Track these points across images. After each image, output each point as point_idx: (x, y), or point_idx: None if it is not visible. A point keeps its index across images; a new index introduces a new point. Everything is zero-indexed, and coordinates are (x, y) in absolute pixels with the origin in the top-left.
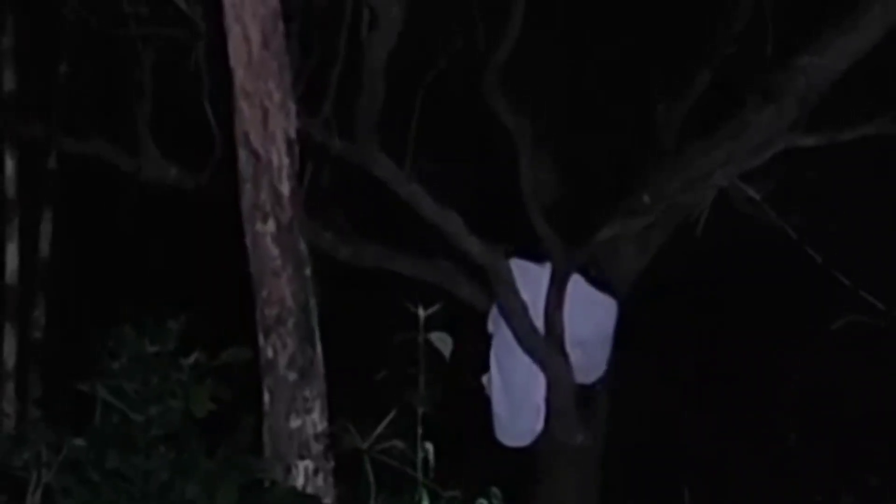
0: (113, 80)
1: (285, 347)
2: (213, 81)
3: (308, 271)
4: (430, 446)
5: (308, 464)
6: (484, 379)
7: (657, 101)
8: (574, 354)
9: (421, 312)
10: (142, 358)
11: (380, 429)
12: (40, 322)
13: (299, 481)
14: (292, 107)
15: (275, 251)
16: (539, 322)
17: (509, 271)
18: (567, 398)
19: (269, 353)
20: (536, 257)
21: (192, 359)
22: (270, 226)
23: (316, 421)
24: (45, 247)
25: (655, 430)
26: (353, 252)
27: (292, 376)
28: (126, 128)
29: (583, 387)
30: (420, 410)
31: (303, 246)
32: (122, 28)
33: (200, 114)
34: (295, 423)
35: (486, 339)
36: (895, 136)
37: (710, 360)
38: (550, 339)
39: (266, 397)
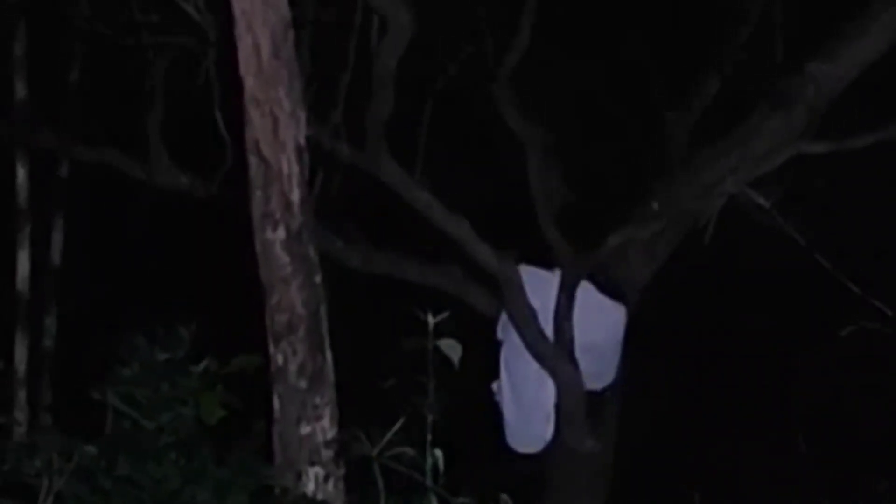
0: (124, 88)
1: (295, 354)
2: (223, 89)
3: (318, 278)
4: (439, 453)
5: (318, 470)
6: (494, 386)
7: (667, 108)
8: (583, 361)
9: (430, 319)
10: (153, 365)
11: (389, 435)
12: (51, 329)
13: (310, 488)
14: (302, 114)
15: (285, 258)
16: (548, 328)
17: (519, 278)
18: (577, 405)
19: (280, 360)
20: (546, 264)
21: (202, 366)
22: (280, 233)
23: (326, 428)
24: (56, 254)
25: (665, 435)
26: (363, 259)
27: (302, 383)
28: (137, 136)
29: (592, 393)
30: (429, 417)
31: (313, 253)
32: (133, 36)
33: (211, 122)
34: (305, 429)
35: (496, 346)
36: None
37: (720, 365)
38: (560, 345)
39: (276, 404)
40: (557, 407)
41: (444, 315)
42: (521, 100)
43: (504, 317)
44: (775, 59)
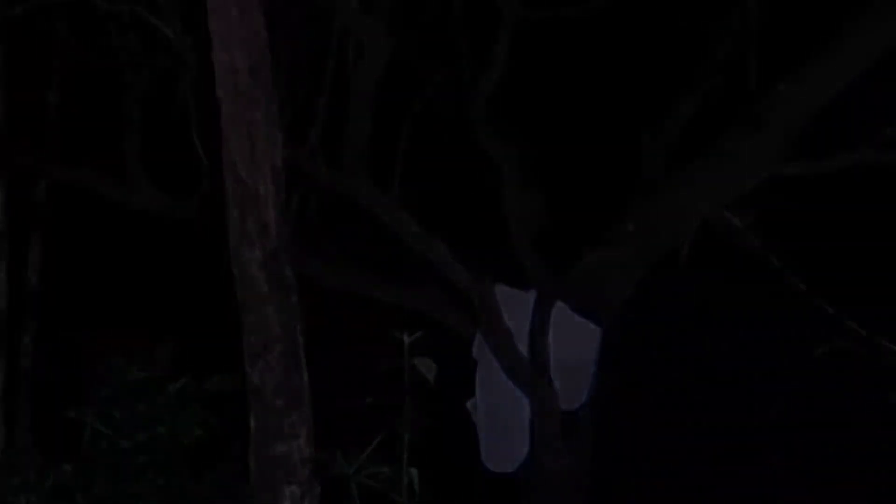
0: (102, 109)
1: (272, 374)
2: (201, 111)
3: (295, 298)
4: (414, 472)
5: (295, 489)
6: (469, 404)
7: (642, 130)
8: (558, 380)
9: (406, 338)
10: (130, 384)
11: (366, 454)
12: (29, 349)
13: None
14: (279, 136)
15: (261, 278)
16: (524, 348)
17: (495, 298)
18: (552, 424)
19: (256, 379)
20: (522, 284)
21: (179, 385)
22: (257, 253)
23: (302, 446)
24: (33, 274)
25: (640, 454)
26: (340, 279)
27: (279, 402)
28: (115, 157)
29: (567, 412)
30: (405, 436)
31: (289, 273)
32: (111, 58)
33: (189, 143)
34: (281, 448)
35: (472, 365)
36: (878, 164)
37: (695, 384)
38: (535, 365)
39: (252, 423)
40: (532, 426)
41: (420, 334)
42: (497, 121)
43: (480, 336)
44: (751, 81)
